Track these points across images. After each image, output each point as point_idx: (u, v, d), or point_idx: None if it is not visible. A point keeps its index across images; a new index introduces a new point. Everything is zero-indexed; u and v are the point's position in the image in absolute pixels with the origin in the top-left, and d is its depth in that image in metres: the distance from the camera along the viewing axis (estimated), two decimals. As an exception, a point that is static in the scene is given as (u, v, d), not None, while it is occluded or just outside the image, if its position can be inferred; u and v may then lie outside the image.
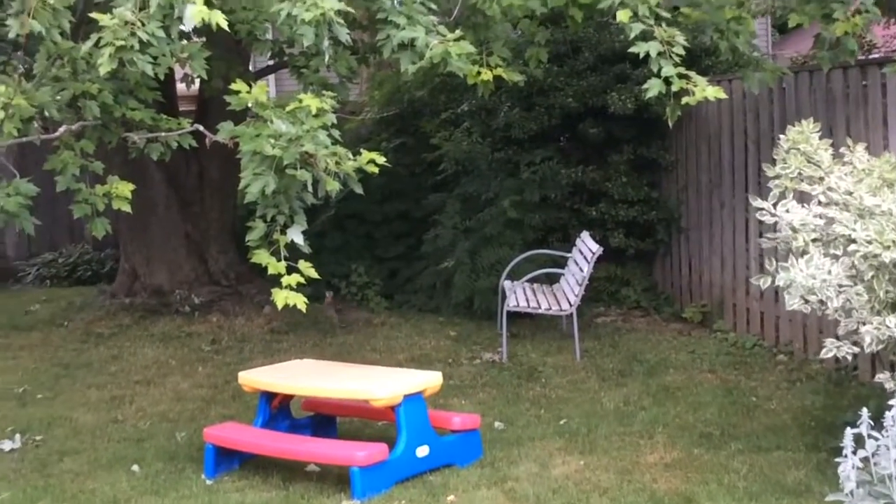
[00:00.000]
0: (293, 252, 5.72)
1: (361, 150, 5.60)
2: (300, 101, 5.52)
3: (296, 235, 5.66)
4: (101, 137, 6.49)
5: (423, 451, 6.08)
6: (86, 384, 8.71)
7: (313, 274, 5.64)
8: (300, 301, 5.50)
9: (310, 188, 5.45)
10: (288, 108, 5.54)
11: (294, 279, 5.53)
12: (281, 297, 5.48)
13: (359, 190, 5.59)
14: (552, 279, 10.23)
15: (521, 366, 8.78)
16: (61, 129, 5.94)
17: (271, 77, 14.70)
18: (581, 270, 9.10)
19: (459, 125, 12.03)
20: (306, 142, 5.35)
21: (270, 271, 5.55)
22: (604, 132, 10.89)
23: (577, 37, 11.10)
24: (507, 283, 9.86)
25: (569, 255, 10.03)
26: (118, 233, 12.14)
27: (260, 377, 6.55)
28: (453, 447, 6.33)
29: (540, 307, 9.06)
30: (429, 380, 6.29)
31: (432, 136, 12.08)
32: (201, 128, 6.12)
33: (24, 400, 8.31)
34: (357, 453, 5.83)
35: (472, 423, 6.46)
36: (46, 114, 5.96)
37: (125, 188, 6.12)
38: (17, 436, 7.27)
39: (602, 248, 8.96)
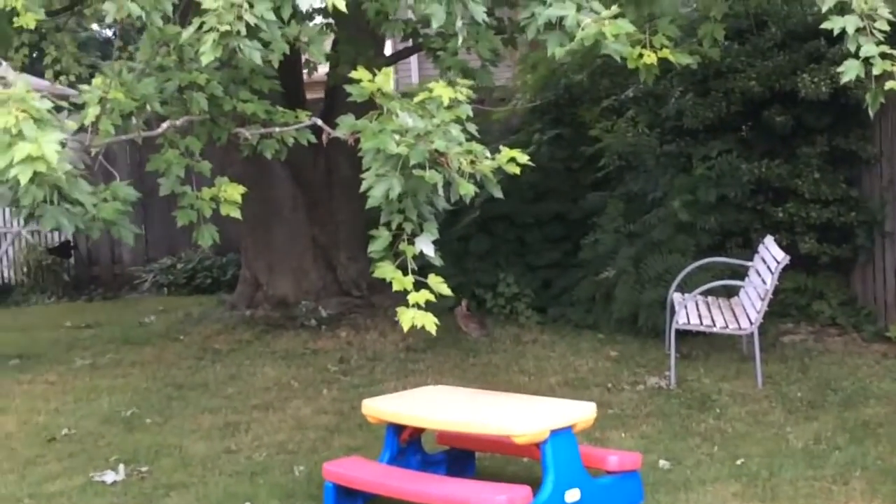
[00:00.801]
0: (422, 265, 5.58)
1: (501, 146, 5.41)
2: (430, 90, 5.37)
3: (425, 246, 5.52)
4: (209, 133, 6.47)
5: (573, 495, 5.88)
6: (199, 408, 8.76)
7: (445, 290, 5.49)
8: (429, 322, 5.35)
9: (440, 191, 5.29)
10: (416, 99, 5.40)
11: (423, 296, 5.39)
12: (407, 318, 5.34)
13: (498, 194, 5.42)
14: (730, 291, 9.91)
15: (691, 393, 8.50)
16: (164, 125, 5.92)
17: (413, 61, 14.75)
18: (764, 282, 8.76)
19: (623, 114, 11.79)
20: (436, 138, 5.20)
21: (395, 287, 5.42)
22: (793, 120, 10.52)
23: (762, 9, 10.76)
24: (676, 296, 9.59)
25: (749, 263, 9.69)
26: (239, 237, 12.28)
27: (386, 407, 6.43)
28: (609, 491, 6.11)
29: (715, 325, 8.75)
30: (580, 413, 6.08)
31: (592, 126, 11.85)
32: (319, 122, 6.04)
33: (131, 424, 8.39)
34: (497, 497, 5.65)
35: (632, 464, 6.23)
36: (149, 108, 5.94)
37: (235, 191, 6.06)
38: (122, 466, 7.33)
39: (788, 257, 8.61)
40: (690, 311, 9.01)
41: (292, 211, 11.55)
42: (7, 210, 15.33)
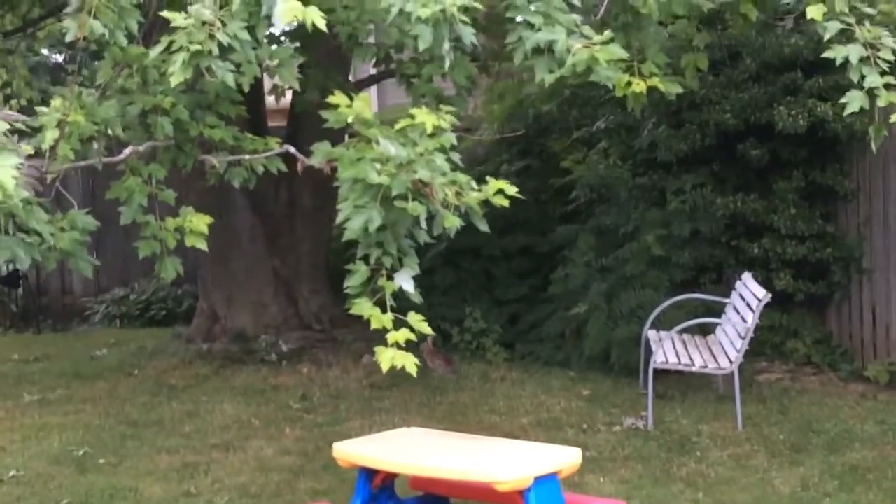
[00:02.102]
0: (400, 301, 5.29)
1: (487, 178, 5.13)
2: (412, 116, 5.09)
3: (405, 282, 5.24)
4: (174, 160, 6.15)
5: (557, 546, 5.58)
6: (155, 447, 8.39)
7: (426, 329, 5.21)
8: (410, 363, 5.08)
9: (423, 224, 5.01)
10: (397, 126, 5.13)
11: (403, 335, 5.10)
12: (386, 358, 5.05)
13: (484, 227, 5.16)
14: (705, 329, 9.67)
15: (670, 434, 8.23)
16: (127, 151, 5.61)
17: (373, 89, 14.46)
18: (744, 320, 8.53)
19: (594, 145, 11.55)
20: (420, 167, 4.92)
21: (374, 325, 5.12)
22: (768, 154, 10.30)
23: (737, 41, 10.57)
24: (651, 334, 9.34)
25: (726, 300, 9.46)
26: (196, 268, 11.93)
27: (358, 450, 6.11)
28: (594, 542, 5.82)
29: (693, 364, 8.50)
30: (565, 459, 5.80)
31: (562, 157, 11.61)
32: (293, 149, 5.75)
33: (84, 465, 8.01)
34: (478, 549, 5.35)
35: (618, 512, 5.95)
36: (110, 132, 5.62)
37: (201, 222, 5.76)
38: (73, 512, 6.96)
39: (769, 294, 8.38)
40: (668, 349, 8.75)
41: (251, 242, 11.23)
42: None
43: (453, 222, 4.96)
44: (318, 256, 11.47)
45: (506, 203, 5.07)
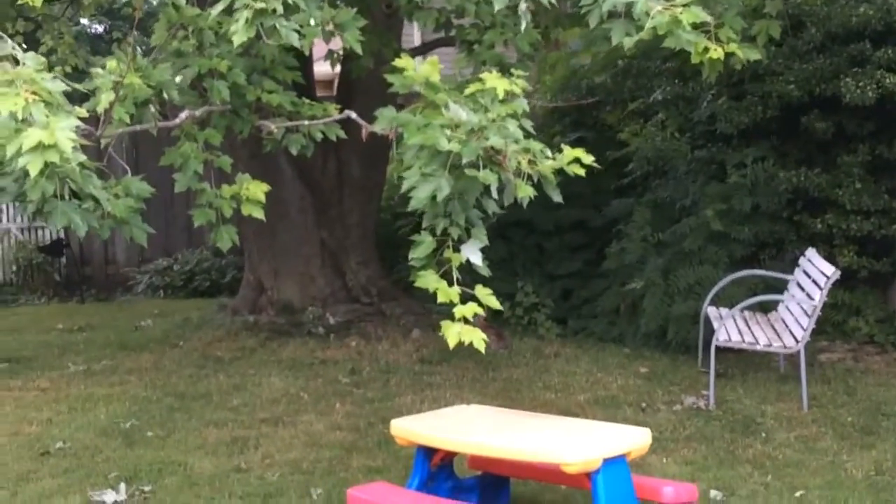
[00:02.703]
0: (467, 275, 5.11)
1: (562, 146, 4.92)
2: (482, 81, 4.87)
3: (472, 254, 5.04)
4: (229, 126, 5.97)
5: (625, 530, 5.38)
6: (203, 420, 8.24)
7: (494, 303, 5.01)
8: (477, 338, 4.87)
9: (494, 194, 4.80)
10: (467, 91, 4.92)
11: (470, 309, 4.89)
12: (453, 333, 4.85)
13: (557, 198, 4.94)
14: (764, 307, 9.43)
15: (733, 415, 8.01)
16: (183, 116, 5.42)
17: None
18: (810, 298, 8.28)
19: (650, 117, 11.30)
20: (491, 134, 4.70)
21: (440, 299, 4.92)
22: (833, 127, 10.02)
23: (801, 10, 10.28)
24: (711, 311, 9.10)
25: (789, 277, 9.21)
26: (243, 239, 11.78)
27: (418, 428, 5.92)
28: (663, 526, 5.61)
29: (758, 342, 8.26)
30: (635, 440, 5.58)
31: (617, 129, 11.36)
32: (354, 115, 5.54)
33: (131, 438, 7.87)
34: (545, 534, 5.15)
35: (689, 496, 5.73)
36: (165, 96, 5.44)
37: (258, 190, 5.57)
38: (122, 485, 6.81)
39: (839, 271, 8.12)
40: (730, 327, 8.50)
41: (300, 213, 11.04)
42: (-4, 205, 14.82)
43: (526, 192, 4.74)
44: (366, 228, 11.28)
45: (581, 172, 4.85)
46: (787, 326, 8.58)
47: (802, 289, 8.67)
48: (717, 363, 9.06)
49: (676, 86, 11.03)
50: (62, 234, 14.89)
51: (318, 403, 8.65)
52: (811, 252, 9.04)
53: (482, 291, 5.01)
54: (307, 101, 6.02)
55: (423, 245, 5.01)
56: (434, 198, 4.85)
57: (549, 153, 4.82)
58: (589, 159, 4.81)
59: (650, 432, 5.69)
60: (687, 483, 6.01)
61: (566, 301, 11.08)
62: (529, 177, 4.81)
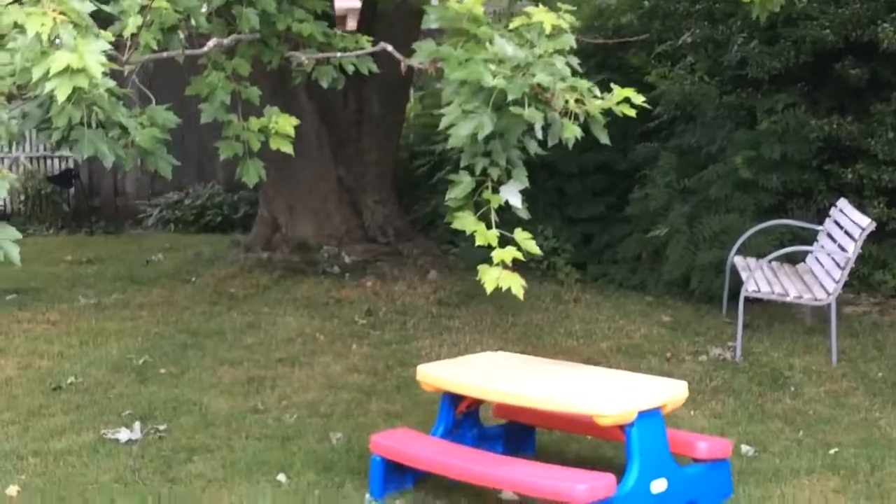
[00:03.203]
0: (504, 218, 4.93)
1: (611, 84, 4.70)
2: (528, 15, 4.65)
3: (512, 195, 4.87)
4: (257, 56, 5.75)
5: (659, 485, 5.23)
6: (217, 359, 8.08)
7: (533, 248, 4.84)
8: (517, 284, 4.70)
9: (538, 133, 4.60)
10: (512, 25, 4.69)
11: (509, 253, 4.71)
12: (491, 277, 4.67)
13: (605, 139, 4.73)
14: (791, 257, 9.24)
15: (760, 367, 7.84)
16: (211, 44, 5.20)
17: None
18: (843, 249, 8.08)
19: (678, 60, 11.04)
20: (538, 71, 4.49)
21: (478, 242, 4.74)
22: (868, 74, 9.77)
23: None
24: (738, 260, 8.91)
25: (818, 227, 9.02)
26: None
27: (446, 374, 5.75)
28: (697, 482, 5.47)
29: (788, 294, 8.07)
30: (671, 392, 5.42)
31: (644, 72, 11.09)
32: (390, 48, 5.31)
33: (144, 375, 7.72)
34: (577, 486, 4.99)
35: (722, 452, 5.58)
36: (193, 22, 5.21)
37: (287, 123, 5.38)
38: (137, 423, 6.66)
39: (874, 223, 7.93)
40: (759, 278, 8.31)
41: (317, 149, 10.82)
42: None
43: (573, 132, 4.53)
44: (384, 166, 11.07)
45: (632, 113, 4.64)
46: (816, 278, 8.39)
47: (834, 240, 8.48)
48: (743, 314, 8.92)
49: (706, 28, 10.77)
50: (71, 164, 14.68)
51: (334, 344, 8.49)
52: (843, 202, 8.84)
53: (521, 235, 4.84)
54: (339, 31, 5.79)
55: (461, 185, 4.83)
56: (475, 136, 4.65)
57: (597, 92, 4.60)
58: (639, 99, 4.60)
59: (686, 385, 5.51)
60: (721, 438, 5.85)
61: (586, 246, 10.89)
62: (576, 116, 4.60)
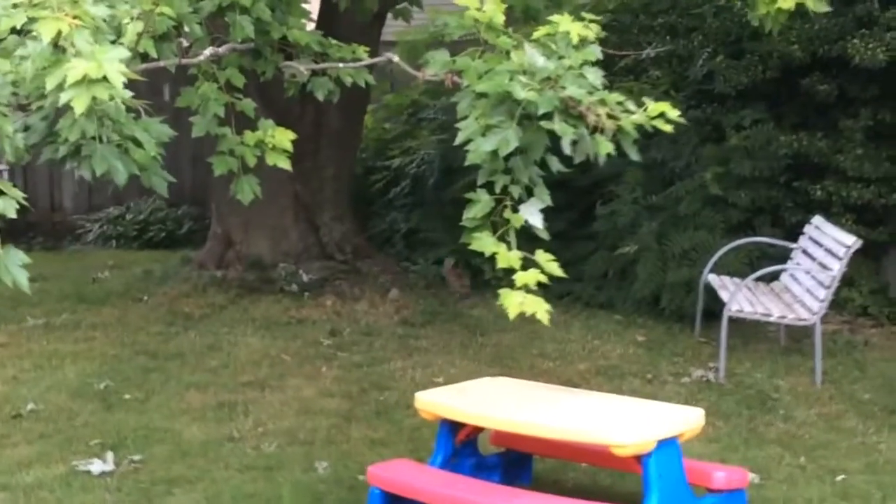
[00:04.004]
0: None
1: (644, 99, 4.47)
2: (555, 24, 4.40)
3: (532, 215, 4.61)
4: (247, 66, 5.45)
5: (677, 518, 4.99)
6: (182, 383, 7.73)
7: (556, 270, 4.58)
8: (542, 310, 4.44)
9: (567, 149, 4.34)
10: (536, 35, 4.44)
11: (533, 277, 4.46)
12: (514, 303, 4.42)
13: (635, 156, 4.48)
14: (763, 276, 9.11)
15: (745, 389, 7.66)
16: (207, 52, 4.88)
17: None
18: (825, 268, 7.92)
19: (641, 75, 10.85)
20: (568, 83, 4.23)
21: (500, 264, 4.49)
22: (836, 90, 9.65)
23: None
24: (713, 279, 8.72)
25: (793, 245, 8.86)
26: (209, 189, 11.25)
27: (449, 402, 5.47)
28: (713, 514, 5.24)
29: (772, 314, 7.90)
30: (688, 420, 5.19)
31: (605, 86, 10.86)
32: (396, 58, 5.04)
33: (108, 400, 7.35)
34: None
35: (739, 482, 5.38)
36: (187, 29, 4.90)
37: (284, 137, 5.08)
38: (110, 454, 6.30)
39: (860, 241, 7.79)
40: (740, 298, 8.10)
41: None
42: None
43: (607, 148, 4.29)
44: (342, 182, 10.75)
45: (669, 129, 4.41)
46: (796, 298, 8.22)
47: (812, 258, 8.32)
48: (714, 333, 8.77)
49: (667, 42, 10.61)
50: (5, 177, 14.14)
51: (302, 366, 8.17)
52: (818, 219, 8.70)
53: (543, 257, 4.60)
54: (335, 41, 5.50)
55: (480, 204, 4.57)
56: (495, 152, 4.39)
57: (631, 106, 4.36)
58: (675, 114, 4.36)
59: (703, 413, 5.28)
60: (737, 467, 5.63)
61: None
62: (602, 131, 4.35)
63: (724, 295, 8.22)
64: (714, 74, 10.12)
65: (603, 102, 4.33)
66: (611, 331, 9.14)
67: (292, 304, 9.80)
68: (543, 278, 4.51)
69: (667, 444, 5.00)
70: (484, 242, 4.53)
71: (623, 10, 11.47)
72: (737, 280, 8.71)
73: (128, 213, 13.66)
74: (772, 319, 7.94)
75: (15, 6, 3.57)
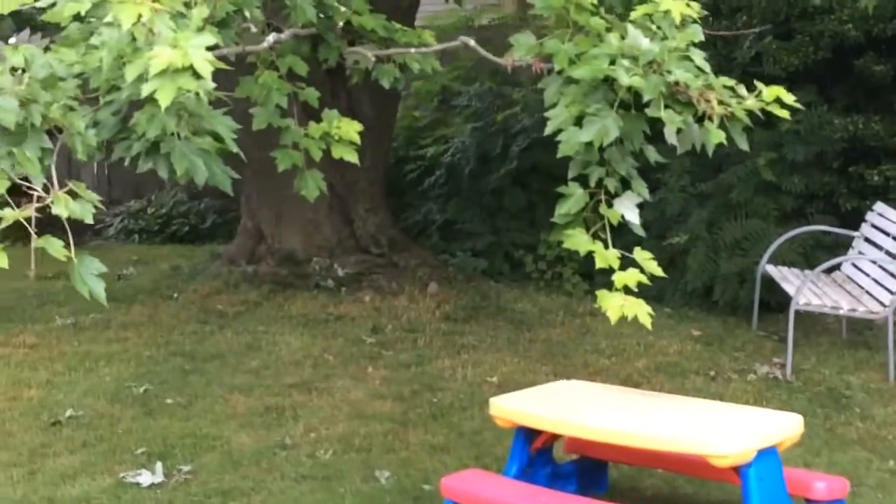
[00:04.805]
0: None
1: (755, 83, 4.15)
2: (655, 3, 4.07)
3: (629, 210, 4.30)
4: (308, 54, 5.12)
5: (778, 531, 4.68)
6: (224, 385, 7.42)
7: (655, 269, 4.25)
8: (643, 312, 4.11)
9: (671, 139, 4.02)
10: (634, 15, 4.11)
11: (633, 277, 4.14)
12: (615, 306, 4.09)
13: (745, 145, 4.17)
14: (814, 264, 8.79)
15: (815, 385, 7.34)
16: (271, 38, 4.55)
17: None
18: (894, 257, 7.60)
19: (687, 56, 10.50)
20: (673, 66, 3.91)
21: (599, 264, 4.16)
22: (892, 70, 9.32)
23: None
24: (771, 270, 8.40)
25: (854, 233, 8.54)
26: (239, 180, 10.89)
27: (528, 409, 5.15)
28: (814, 526, 4.92)
29: (841, 308, 7.57)
30: (787, 428, 4.87)
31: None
32: (472, 42, 4.71)
33: (149, 405, 7.04)
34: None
35: (840, 492, 5.07)
36: (248, 14, 4.57)
37: (351, 128, 4.74)
38: (158, 464, 5.99)
39: (935, 231, 7.48)
40: (806, 291, 7.76)
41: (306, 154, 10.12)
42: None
43: (719, 137, 3.98)
44: (376, 172, 10.41)
45: (785, 114, 4.09)
46: (863, 289, 7.89)
47: (879, 247, 8.00)
48: (771, 327, 8.50)
49: (714, 25, 10.26)
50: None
51: (347, 366, 7.85)
52: (881, 206, 8.39)
53: (642, 255, 4.26)
54: (400, 26, 5.17)
55: (573, 199, 4.26)
56: (590, 142, 4.07)
57: (743, 91, 4.04)
58: (790, 99, 4.04)
59: (802, 419, 4.96)
60: (837, 476, 5.31)
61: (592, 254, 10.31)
62: (711, 118, 4.03)
63: (787, 287, 7.90)
64: (762, 56, 9.77)
65: (710, 87, 4.01)
66: (664, 325, 8.78)
67: (329, 300, 9.48)
68: (644, 278, 4.17)
69: (767, 454, 4.68)
70: (578, 240, 4.22)
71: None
72: (796, 271, 8.41)
73: (149, 206, 13.37)
74: (842, 313, 7.61)
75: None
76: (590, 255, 4.94)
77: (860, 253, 8.28)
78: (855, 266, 8.26)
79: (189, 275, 10.45)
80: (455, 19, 12.56)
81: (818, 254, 9.03)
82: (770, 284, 8.49)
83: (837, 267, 8.52)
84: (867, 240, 8.29)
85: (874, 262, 7.90)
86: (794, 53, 9.61)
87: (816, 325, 8.68)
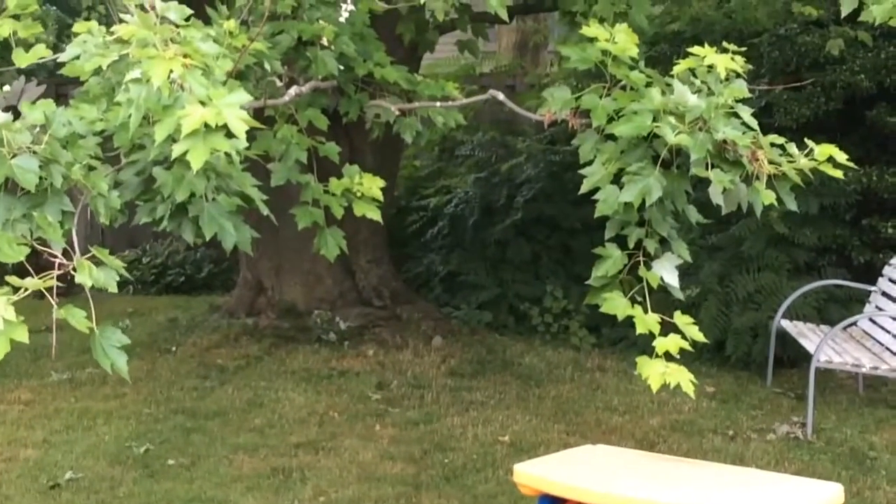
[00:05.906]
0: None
1: (806, 141, 3.98)
2: (700, 56, 3.90)
3: (668, 272, 4.10)
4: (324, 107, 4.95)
5: None
6: (227, 445, 7.19)
7: (697, 335, 4.06)
8: (686, 380, 3.91)
9: (717, 199, 3.84)
10: (677, 69, 3.94)
11: (674, 343, 3.94)
12: (656, 374, 3.92)
13: (792, 205, 4.00)
14: (827, 320, 8.64)
15: (837, 446, 7.13)
16: (292, 92, 4.37)
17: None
18: (917, 314, 7.44)
19: (692, 107, 10.38)
20: (720, 124, 3.73)
21: (639, 329, 3.97)
22: (905, 121, 9.22)
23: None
24: (787, 325, 8.22)
25: (870, 287, 8.37)
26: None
27: (556, 477, 4.92)
28: None
29: (863, 365, 7.38)
30: (829, 498, 4.65)
31: (656, 120, 10.43)
32: (501, 96, 4.53)
33: (151, 467, 6.80)
34: None
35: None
36: (267, 67, 4.39)
37: (374, 185, 4.56)
38: (164, 533, 5.75)
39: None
40: (826, 348, 7.57)
41: (307, 205, 9.93)
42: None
43: (769, 198, 3.81)
44: (377, 224, 10.16)
45: (839, 174, 3.92)
46: (883, 345, 7.71)
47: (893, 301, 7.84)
48: (786, 383, 8.32)
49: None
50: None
51: (353, 425, 7.63)
52: (898, 261, 8.23)
53: (682, 319, 4.07)
54: (423, 78, 5.00)
55: (611, 260, 4.09)
56: (628, 202, 3.89)
57: (793, 149, 3.87)
58: (843, 157, 3.87)
59: (842, 488, 4.75)
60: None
61: (598, 306, 10.11)
62: (758, 177, 3.86)
63: (805, 343, 7.73)
64: (772, 107, 9.63)
65: (758, 145, 3.84)
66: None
67: (332, 354, 9.26)
68: (685, 344, 3.98)
69: (808, 527, 4.47)
70: (616, 304, 4.05)
71: (665, 40, 10.98)
72: (813, 326, 8.24)
73: (144, 256, 13.13)
74: (864, 371, 7.42)
75: (106, 45, 3.05)
76: (596, 308, 4.81)
77: (878, 308, 8.10)
78: (872, 321, 8.08)
79: (187, 327, 10.22)
80: (456, 68, 12.42)
81: (832, 308, 8.87)
82: (782, 339, 8.33)
83: (853, 321, 8.35)
84: (885, 294, 8.11)
85: (894, 319, 7.71)
86: (806, 104, 9.46)
87: (831, 381, 8.50)
